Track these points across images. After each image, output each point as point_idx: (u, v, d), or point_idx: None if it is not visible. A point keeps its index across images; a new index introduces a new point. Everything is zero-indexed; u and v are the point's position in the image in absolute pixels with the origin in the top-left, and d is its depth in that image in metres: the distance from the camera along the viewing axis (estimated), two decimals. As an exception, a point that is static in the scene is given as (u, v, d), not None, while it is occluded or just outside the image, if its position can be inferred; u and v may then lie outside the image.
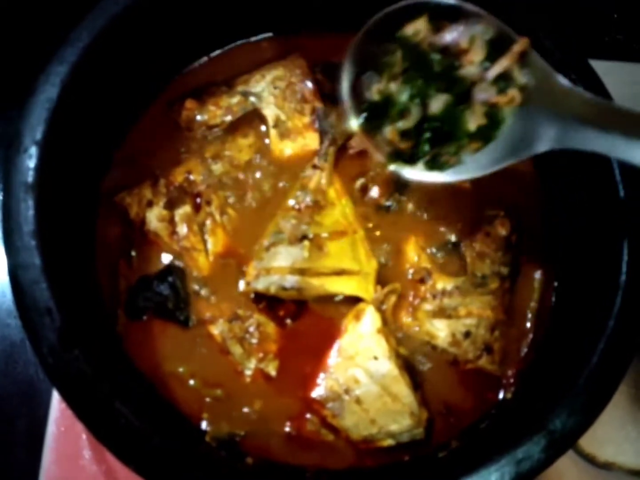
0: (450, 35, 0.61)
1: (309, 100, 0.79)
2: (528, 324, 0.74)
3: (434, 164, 0.64)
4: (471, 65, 0.61)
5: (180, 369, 0.69)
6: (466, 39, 0.61)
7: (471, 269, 0.74)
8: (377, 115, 0.65)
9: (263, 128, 0.79)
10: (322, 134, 0.78)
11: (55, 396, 0.79)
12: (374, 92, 0.64)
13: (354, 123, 0.66)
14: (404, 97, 0.63)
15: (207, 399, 0.69)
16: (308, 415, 0.69)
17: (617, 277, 0.64)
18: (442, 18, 0.62)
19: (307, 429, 0.68)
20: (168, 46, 0.76)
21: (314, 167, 0.76)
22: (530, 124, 0.61)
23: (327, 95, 0.80)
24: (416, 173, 0.64)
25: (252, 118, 0.79)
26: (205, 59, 0.82)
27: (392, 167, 0.66)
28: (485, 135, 0.62)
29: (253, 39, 0.83)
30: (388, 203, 0.76)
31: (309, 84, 0.80)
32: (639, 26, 1.10)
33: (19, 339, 0.90)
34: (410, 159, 0.64)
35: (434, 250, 0.75)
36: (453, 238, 0.75)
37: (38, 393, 0.87)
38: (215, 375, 0.70)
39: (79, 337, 0.58)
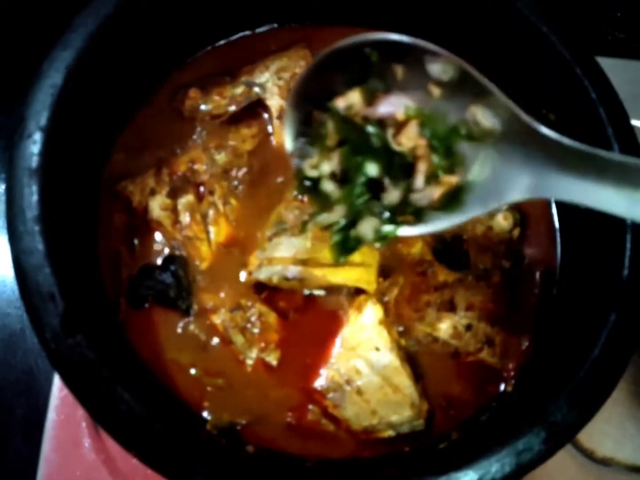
0: (385, 108, 0.54)
1: (313, 91, 0.79)
2: (529, 318, 0.75)
3: (391, 223, 0.57)
4: (401, 146, 0.54)
5: (182, 358, 0.69)
6: (401, 111, 0.54)
7: (473, 262, 0.74)
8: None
9: (267, 118, 0.79)
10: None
11: (56, 384, 0.79)
12: (307, 167, 0.58)
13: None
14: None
15: (209, 388, 0.69)
16: (309, 406, 0.69)
17: (619, 271, 0.64)
18: (394, 58, 0.54)
19: (308, 419, 0.68)
20: (173, 35, 0.75)
21: (318, 158, 0.76)
22: (501, 171, 0.54)
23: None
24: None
25: (255, 108, 0.79)
26: (209, 48, 0.82)
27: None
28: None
29: (257, 29, 0.83)
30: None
31: (313, 75, 0.79)
32: (641, 24, 1.10)
33: (19, 328, 0.90)
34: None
35: (436, 242, 0.75)
36: (456, 231, 0.75)
37: (37, 382, 0.87)
38: (216, 365, 0.69)
39: (82, 323, 0.57)
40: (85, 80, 0.65)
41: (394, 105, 0.54)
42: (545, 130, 0.51)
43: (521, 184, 0.53)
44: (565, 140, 0.50)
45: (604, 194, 0.48)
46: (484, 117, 0.53)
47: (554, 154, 0.50)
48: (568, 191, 0.50)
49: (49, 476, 0.76)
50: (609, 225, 0.68)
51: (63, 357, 0.56)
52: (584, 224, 0.73)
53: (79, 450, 0.76)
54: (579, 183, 0.50)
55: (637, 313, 0.63)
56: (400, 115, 0.54)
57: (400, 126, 0.54)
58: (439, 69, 0.53)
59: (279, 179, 0.76)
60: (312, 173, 0.57)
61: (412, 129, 0.54)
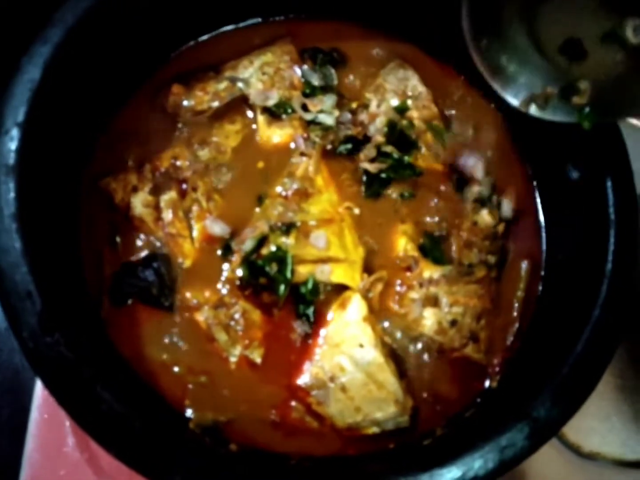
0: None
1: (298, 86, 0.79)
2: (514, 313, 0.74)
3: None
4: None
5: (165, 356, 0.69)
6: None
7: (458, 257, 0.74)
8: None
9: (250, 114, 0.78)
10: (311, 120, 0.77)
11: (39, 383, 0.78)
12: None
13: None
14: None
15: (191, 386, 0.68)
16: (293, 403, 0.68)
17: (603, 266, 0.64)
18: None
19: (292, 416, 0.68)
20: (155, 30, 0.75)
21: (302, 154, 0.75)
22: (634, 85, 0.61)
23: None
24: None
25: (239, 104, 0.78)
26: (192, 43, 0.81)
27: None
28: None
29: (242, 24, 0.82)
30: (376, 190, 0.75)
31: (298, 71, 0.79)
32: None
33: (3, 328, 0.89)
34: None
35: (421, 238, 0.74)
36: (441, 226, 0.75)
37: (22, 381, 0.86)
38: (199, 363, 0.69)
39: (60, 321, 0.57)
40: (65, 75, 0.64)
41: None
42: None
43: None
44: None
45: None
46: (632, 34, 0.59)
47: None
48: None
49: (32, 475, 0.75)
50: (593, 220, 0.68)
51: (41, 356, 0.55)
52: (569, 219, 0.73)
53: (62, 450, 0.75)
54: None
55: (620, 309, 0.64)
56: None
57: None
58: None
59: (263, 175, 0.75)
60: None
61: None
